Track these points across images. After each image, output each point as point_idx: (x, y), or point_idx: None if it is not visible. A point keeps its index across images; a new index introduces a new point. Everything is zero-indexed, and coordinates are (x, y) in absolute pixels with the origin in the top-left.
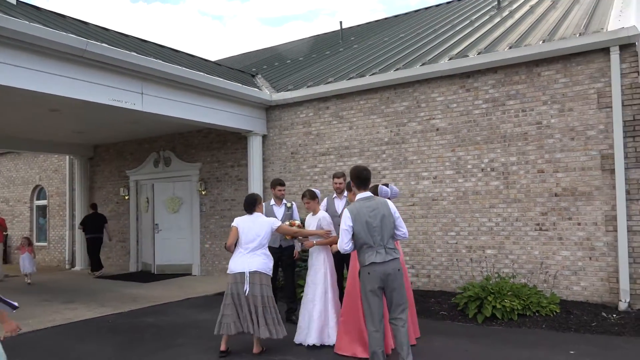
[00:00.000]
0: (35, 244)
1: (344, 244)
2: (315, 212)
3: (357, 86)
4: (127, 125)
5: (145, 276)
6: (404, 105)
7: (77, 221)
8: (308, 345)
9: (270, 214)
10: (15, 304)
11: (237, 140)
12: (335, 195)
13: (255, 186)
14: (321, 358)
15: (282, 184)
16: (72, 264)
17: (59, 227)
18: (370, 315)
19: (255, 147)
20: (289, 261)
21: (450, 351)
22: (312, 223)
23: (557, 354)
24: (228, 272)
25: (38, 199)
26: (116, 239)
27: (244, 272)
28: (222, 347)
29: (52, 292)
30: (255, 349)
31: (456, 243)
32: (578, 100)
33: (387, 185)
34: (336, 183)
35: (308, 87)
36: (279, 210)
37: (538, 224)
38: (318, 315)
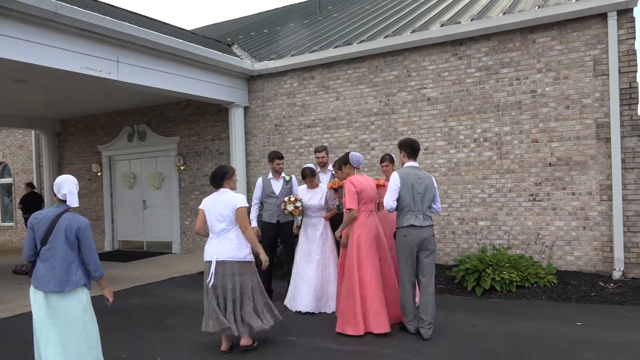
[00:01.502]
0: (2, 224)
1: (391, 201)
2: (313, 186)
3: (344, 54)
4: (100, 98)
5: (122, 255)
6: (394, 74)
7: (46, 200)
8: (299, 311)
9: (267, 188)
10: None
11: (216, 112)
12: (319, 169)
13: (238, 160)
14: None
15: (280, 157)
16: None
17: None
18: (408, 273)
19: (236, 120)
20: (287, 237)
21: (456, 326)
22: (314, 197)
23: (565, 326)
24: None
25: (2, 176)
26: (89, 217)
27: (211, 261)
28: (222, 347)
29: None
30: (224, 346)
31: (448, 215)
32: (574, 67)
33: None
34: (318, 157)
35: (292, 56)
36: (277, 184)
37: (532, 195)
38: (315, 284)
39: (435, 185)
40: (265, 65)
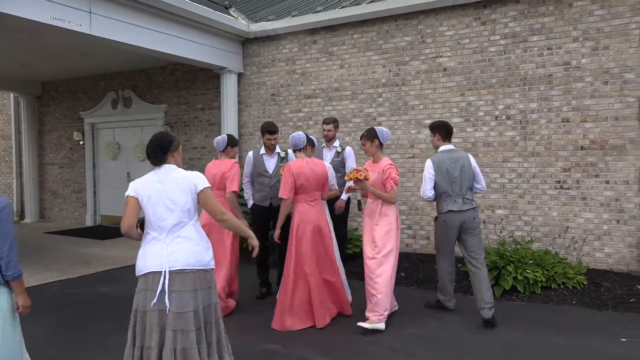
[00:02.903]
0: None
1: (427, 190)
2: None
3: (351, 16)
4: (77, 57)
5: (103, 232)
6: (406, 40)
7: (25, 168)
8: None
9: (260, 165)
10: None
11: (208, 79)
12: (324, 144)
13: (229, 132)
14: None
15: (273, 131)
16: (22, 216)
17: (6, 174)
18: (445, 258)
19: (229, 87)
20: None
21: (475, 337)
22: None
23: (607, 342)
24: (136, 273)
25: None
26: (70, 189)
27: (159, 272)
28: None
29: None
30: None
31: None
32: (616, 36)
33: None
34: (325, 129)
35: (292, 16)
36: (271, 162)
37: (559, 182)
38: None
39: (474, 163)
40: (262, 26)
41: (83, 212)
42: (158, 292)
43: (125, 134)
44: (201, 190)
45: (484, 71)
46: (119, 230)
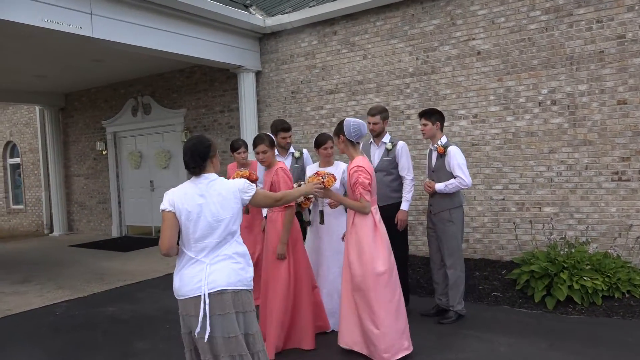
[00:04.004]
0: (12, 207)
1: (470, 177)
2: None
3: (373, 1)
4: (91, 65)
5: (127, 243)
6: (434, 23)
7: (52, 181)
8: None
9: None
10: None
11: (225, 79)
12: (371, 139)
13: (249, 135)
14: None
15: (286, 129)
16: (51, 229)
17: (35, 187)
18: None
19: (247, 87)
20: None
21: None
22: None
23: None
24: (175, 295)
25: (12, 156)
26: (96, 200)
27: (199, 296)
28: None
29: (8, 267)
30: None
31: (503, 199)
32: None
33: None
34: (370, 122)
35: (310, 7)
36: (285, 162)
37: (616, 173)
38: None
39: None
40: (278, 20)
41: (109, 223)
42: (200, 318)
43: (146, 142)
44: (253, 195)
45: (524, 52)
46: (143, 240)
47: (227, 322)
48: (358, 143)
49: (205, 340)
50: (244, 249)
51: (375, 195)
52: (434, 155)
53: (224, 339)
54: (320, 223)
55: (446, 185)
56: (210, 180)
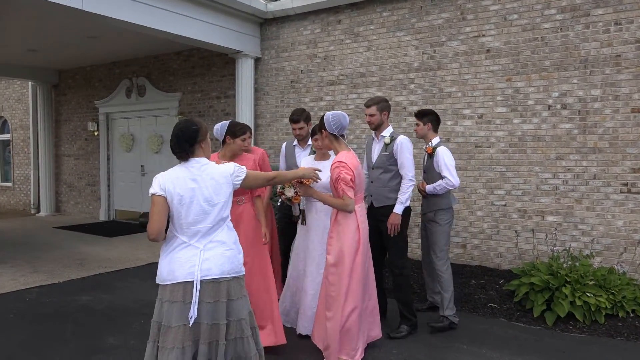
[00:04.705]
0: (1, 184)
1: (458, 178)
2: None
3: None
4: (87, 42)
5: (113, 228)
6: (443, 17)
7: (42, 160)
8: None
9: (290, 158)
10: None
11: (223, 64)
12: (373, 134)
13: (245, 122)
14: None
15: (295, 120)
16: (38, 209)
17: (24, 165)
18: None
19: (245, 73)
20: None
21: None
22: (323, 172)
23: None
24: (158, 280)
25: (2, 132)
26: (85, 182)
27: (191, 282)
28: None
29: None
30: None
31: (505, 205)
32: None
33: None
34: (367, 114)
35: None
36: (302, 155)
37: (626, 184)
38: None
39: None
40: (281, 5)
41: (97, 206)
42: (194, 303)
43: (139, 125)
44: (244, 178)
45: (536, 52)
46: (131, 226)
47: (216, 309)
48: (342, 136)
49: (190, 325)
50: (234, 234)
51: (361, 193)
52: (426, 155)
53: (209, 325)
54: (302, 223)
55: (434, 187)
56: (202, 165)
